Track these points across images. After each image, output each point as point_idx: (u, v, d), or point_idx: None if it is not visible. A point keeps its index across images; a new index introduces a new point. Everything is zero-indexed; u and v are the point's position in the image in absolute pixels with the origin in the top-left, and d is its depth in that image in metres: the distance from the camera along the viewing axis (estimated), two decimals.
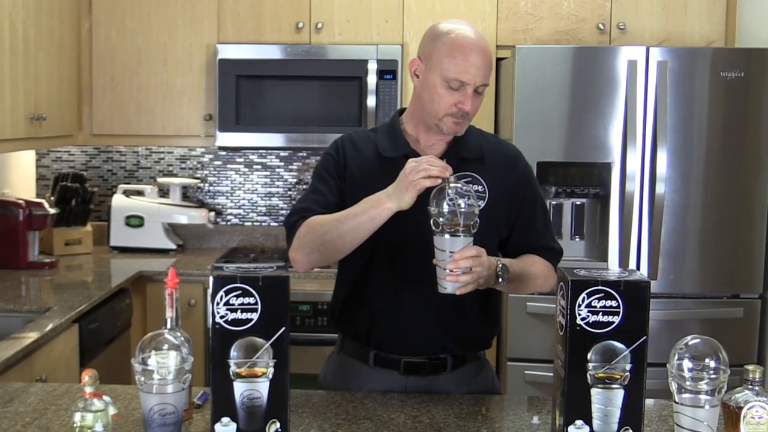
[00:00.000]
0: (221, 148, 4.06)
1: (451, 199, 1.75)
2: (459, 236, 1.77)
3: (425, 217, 1.97)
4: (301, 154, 4.16)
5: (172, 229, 4.09)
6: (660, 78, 3.23)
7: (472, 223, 1.78)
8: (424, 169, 1.78)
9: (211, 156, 4.18)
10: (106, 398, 1.51)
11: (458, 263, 1.76)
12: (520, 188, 2.06)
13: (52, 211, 3.56)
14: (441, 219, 1.76)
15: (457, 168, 1.98)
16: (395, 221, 1.95)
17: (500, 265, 1.88)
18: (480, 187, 1.98)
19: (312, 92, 3.71)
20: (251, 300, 1.53)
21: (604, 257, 3.32)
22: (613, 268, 3.26)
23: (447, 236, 1.77)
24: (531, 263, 2.04)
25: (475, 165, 2.00)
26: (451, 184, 1.78)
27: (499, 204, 2.01)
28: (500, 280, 1.89)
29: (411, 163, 1.82)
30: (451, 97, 1.92)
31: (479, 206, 1.80)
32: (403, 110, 2.11)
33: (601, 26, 3.70)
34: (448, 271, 1.77)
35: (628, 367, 1.55)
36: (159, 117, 3.81)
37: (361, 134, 2.12)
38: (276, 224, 4.19)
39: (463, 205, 1.76)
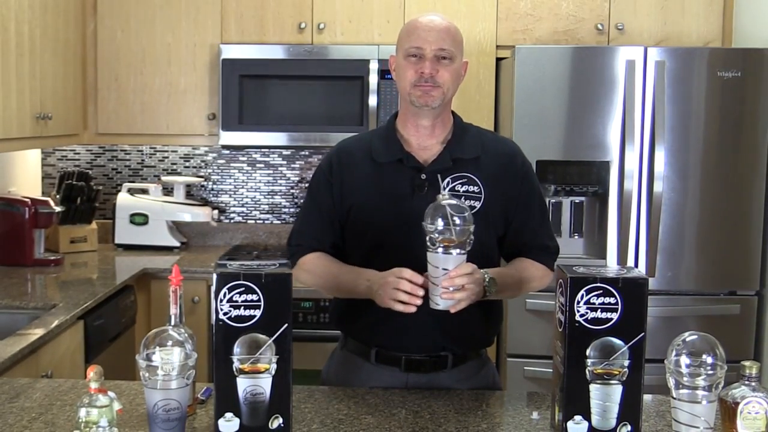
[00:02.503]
0: (225, 147, 4.08)
1: (444, 216, 1.72)
2: (451, 253, 1.74)
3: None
4: (303, 152, 4.18)
5: (176, 227, 4.11)
6: (658, 78, 3.25)
7: (466, 239, 1.75)
8: (394, 296, 1.81)
9: (214, 155, 4.20)
10: (110, 394, 1.52)
11: (454, 281, 1.75)
12: (517, 185, 2.05)
13: (57, 209, 3.57)
14: (435, 236, 1.74)
15: (453, 169, 2.00)
16: (396, 223, 1.97)
17: (487, 279, 1.86)
18: (476, 188, 1.98)
19: (314, 92, 3.73)
20: (254, 297, 1.54)
21: (602, 255, 3.33)
22: (611, 265, 3.26)
23: (440, 253, 1.74)
24: (523, 269, 2.04)
25: (471, 165, 2.00)
26: (445, 201, 1.75)
27: (495, 203, 2.00)
28: (487, 294, 1.87)
29: (389, 277, 1.83)
30: (413, 67, 1.98)
31: (474, 225, 1.76)
32: (397, 114, 2.11)
33: (599, 26, 3.71)
34: (441, 288, 1.75)
35: (626, 363, 1.57)
36: (163, 116, 3.83)
37: (355, 141, 2.14)
38: (279, 222, 4.21)
39: (458, 222, 1.73)
